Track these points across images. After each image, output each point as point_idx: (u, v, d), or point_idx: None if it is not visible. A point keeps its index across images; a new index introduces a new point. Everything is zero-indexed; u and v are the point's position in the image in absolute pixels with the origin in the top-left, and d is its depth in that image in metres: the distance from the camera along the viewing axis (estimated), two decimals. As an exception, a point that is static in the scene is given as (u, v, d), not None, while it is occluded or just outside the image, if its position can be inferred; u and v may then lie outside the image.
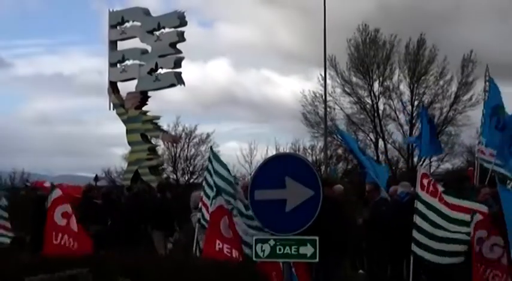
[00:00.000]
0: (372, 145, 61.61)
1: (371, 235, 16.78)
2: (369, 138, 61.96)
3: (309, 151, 61.92)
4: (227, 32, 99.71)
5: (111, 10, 35.78)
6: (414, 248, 13.49)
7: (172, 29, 33.53)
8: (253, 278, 12.10)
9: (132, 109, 34.23)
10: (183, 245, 19.40)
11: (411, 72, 59.75)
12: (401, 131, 60.34)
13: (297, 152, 57.84)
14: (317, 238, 12.19)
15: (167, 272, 12.39)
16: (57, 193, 16.62)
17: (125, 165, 41.27)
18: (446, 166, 57.95)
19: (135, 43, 34.94)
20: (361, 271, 19.43)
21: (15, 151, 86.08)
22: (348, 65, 60.54)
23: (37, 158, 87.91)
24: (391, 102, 60.58)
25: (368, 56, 60.09)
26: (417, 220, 13.53)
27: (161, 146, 47.44)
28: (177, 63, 33.46)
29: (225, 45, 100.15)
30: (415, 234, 13.49)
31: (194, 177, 61.13)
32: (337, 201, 17.07)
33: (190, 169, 64.24)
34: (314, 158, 59.72)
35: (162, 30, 33.71)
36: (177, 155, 64.15)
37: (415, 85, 59.85)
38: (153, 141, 35.75)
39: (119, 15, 35.24)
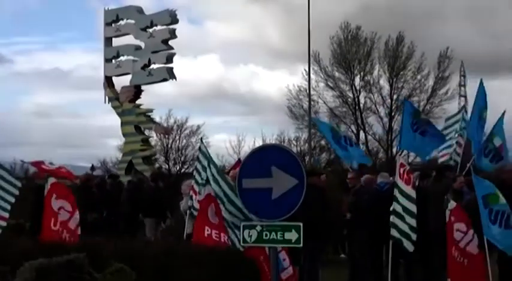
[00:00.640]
0: (354, 136, 61.60)
1: (352, 221, 16.78)
2: (350, 130, 61.91)
3: (294, 142, 61.93)
4: (216, 30, 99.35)
5: (106, 9, 35.75)
6: (393, 233, 13.52)
7: (165, 27, 33.51)
8: (242, 262, 12.10)
9: (126, 102, 34.20)
10: (174, 231, 19.43)
11: (390, 68, 59.96)
12: (381, 123, 60.66)
13: (283, 143, 57.86)
14: (301, 224, 12.22)
15: (158, 256, 12.38)
16: (51, 180, 16.60)
17: (119, 155, 41.23)
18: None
19: (129, 40, 34.91)
20: (342, 255, 19.47)
21: (15, 143, 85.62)
22: (331, 61, 60.82)
23: (36, 149, 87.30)
24: (372, 96, 60.91)
25: (350, 52, 60.22)
26: (395, 206, 13.56)
27: (154, 138, 47.32)
28: (169, 59, 33.45)
29: (214, 42, 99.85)
30: (394, 220, 13.52)
31: (185, 167, 61.02)
32: (323, 189, 17.14)
33: (182, 159, 64.17)
34: (299, 149, 59.69)
35: (155, 27, 33.69)
36: (169, 146, 64.07)
37: (394, 80, 60.06)
38: (146, 132, 35.73)
39: (114, 14, 35.19)
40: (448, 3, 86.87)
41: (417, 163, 49.08)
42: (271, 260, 12.44)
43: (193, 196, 15.65)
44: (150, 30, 33.79)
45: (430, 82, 60.17)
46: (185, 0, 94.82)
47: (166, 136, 59.47)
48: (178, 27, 33.77)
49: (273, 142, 54.83)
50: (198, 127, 63.65)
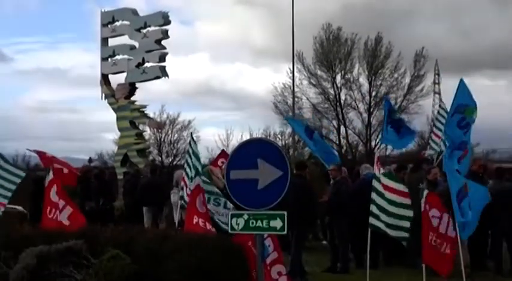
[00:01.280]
0: (335, 131, 61.88)
1: (333, 210, 16.82)
2: (332, 125, 62.08)
3: (279, 136, 62.15)
4: (205, 30, 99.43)
5: (103, 10, 35.71)
6: (372, 221, 13.53)
7: (158, 28, 33.52)
8: (230, 248, 12.11)
9: (121, 99, 34.19)
10: (168, 219, 19.48)
11: (369, 66, 60.02)
12: (360, 118, 60.74)
13: (268, 137, 58.02)
14: (285, 212, 12.26)
15: (151, 243, 12.39)
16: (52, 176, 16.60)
17: (115, 148, 41.15)
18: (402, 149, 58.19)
19: (124, 40, 34.88)
20: (324, 242, 19.49)
21: (18, 136, 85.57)
22: (314, 60, 60.82)
23: (37, 142, 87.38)
24: (352, 93, 60.92)
25: (331, 52, 60.21)
26: (374, 196, 13.57)
27: (148, 132, 47.24)
28: (162, 58, 33.48)
29: (204, 42, 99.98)
30: (373, 208, 13.53)
31: (177, 159, 61.16)
32: (309, 181, 17.21)
33: (174, 151, 64.41)
34: (283, 142, 59.86)
35: (148, 28, 33.69)
36: (162, 139, 64.36)
37: (373, 78, 60.16)
38: (141, 127, 35.71)
39: (110, 15, 35.17)
40: (423, 6, 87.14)
41: (394, 156, 49.28)
42: (257, 246, 12.47)
43: (184, 187, 15.68)
44: (144, 30, 33.78)
45: (407, 80, 60.36)
46: (177, 2, 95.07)
47: (159, 130, 59.68)
48: (171, 28, 33.87)
49: (259, 136, 54.85)
50: (189, 122, 64.25)
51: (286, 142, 60.10)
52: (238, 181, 12.48)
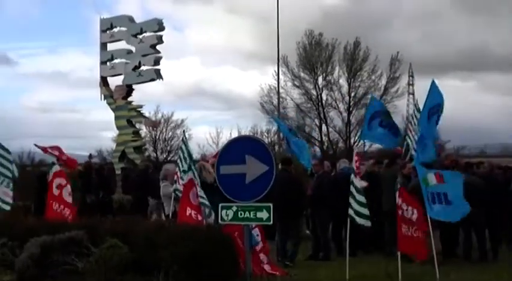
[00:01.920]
0: (317, 129, 62.06)
1: (315, 203, 16.84)
2: (314, 123, 62.16)
3: (265, 134, 62.06)
4: (197, 36, 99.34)
5: (102, 18, 35.66)
6: (350, 212, 13.54)
7: (153, 33, 33.52)
8: (220, 237, 12.13)
9: (119, 99, 34.19)
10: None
11: (349, 69, 60.04)
12: (340, 117, 60.77)
13: (256, 135, 57.90)
14: (271, 204, 12.31)
15: (148, 233, 12.39)
16: (56, 168, 16.62)
17: (113, 146, 41.01)
18: (378, 145, 58.26)
19: (121, 45, 34.86)
20: (307, 231, 19.51)
21: (22, 134, 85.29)
22: (297, 63, 60.77)
23: (40, 140, 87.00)
24: (332, 94, 60.88)
25: (313, 56, 60.21)
26: (352, 189, 13.59)
27: (143, 130, 47.14)
28: (157, 62, 33.49)
29: (195, 47, 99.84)
30: (351, 201, 13.55)
31: (171, 155, 61.00)
32: (297, 175, 17.31)
33: (168, 148, 64.37)
34: (269, 139, 59.77)
35: (144, 34, 33.68)
36: (157, 137, 64.26)
37: (352, 79, 60.19)
38: (137, 126, 35.75)
39: (109, 22, 35.14)
40: (398, 13, 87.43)
41: (372, 152, 49.36)
42: (244, 235, 12.51)
43: (177, 181, 15.65)
44: (140, 36, 33.78)
45: (383, 82, 60.43)
46: (170, 9, 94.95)
47: (155, 129, 59.67)
48: (165, 34, 33.86)
49: (247, 134, 54.78)
50: (182, 121, 64.36)
51: (272, 139, 60.04)
52: (228, 176, 12.54)
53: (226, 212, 12.50)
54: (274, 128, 57.22)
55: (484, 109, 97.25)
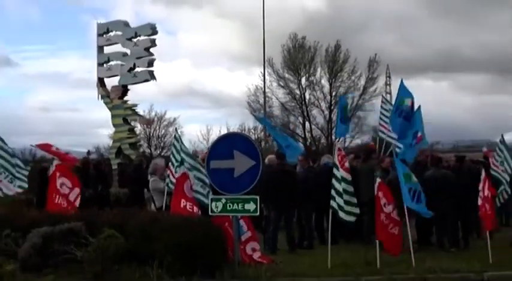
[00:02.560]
0: (301, 126, 62.19)
1: (301, 195, 16.83)
2: (298, 120, 62.35)
3: (252, 130, 62.09)
4: (188, 39, 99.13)
5: (98, 22, 35.53)
6: (333, 204, 13.55)
7: (146, 37, 33.33)
8: (211, 227, 12.12)
9: (115, 99, 33.96)
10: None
11: (330, 70, 60.08)
12: (322, 115, 60.82)
13: (243, 131, 57.88)
14: (258, 197, 12.34)
15: (143, 224, 12.37)
16: (56, 162, 16.62)
17: (110, 142, 40.83)
18: (357, 141, 58.55)
19: (117, 48, 34.62)
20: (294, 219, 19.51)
21: (24, 132, 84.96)
22: (282, 65, 60.72)
23: (41, 137, 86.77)
24: (315, 93, 60.92)
25: (297, 58, 60.22)
26: (334, 182, 13.58)
27: (138, 127, 46.93)
28: (150, 64, 33.32)
29: (186, 50, 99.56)
30: (333, 193, 13.55)
31: (164, 151, 60.93)
32: (292, 169, 17.40)
33: (161, 145, 64.39)
34: (256, 136, 59.76)
35: (139, 37, 33.46)
36: (151, 134, 64.26)
37: (333, 80, 60.27)
38: (132, 123, 35.51)
39: (105, 27, 34.93)
40: (375, 18, 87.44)
41: (352, 147, 49.46)
42: (233, 225, 12.53)
43: (170, 175, 15.60)
44: (135, 40, 33.58)
45: (362, 82, 60.47)
46: (163, 15, 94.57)
47: (149, 126, 59.62)
48: (158, 38, 33.69)
49: (235, 131, 54.74)
50: (174, 119, 64.40)
51: (259, 135, 60.08)
52: (217, 170, 12.58)
53: (215, 204, 12.53)
54: (261, 125, 57.28)
55: (456, 107, 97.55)
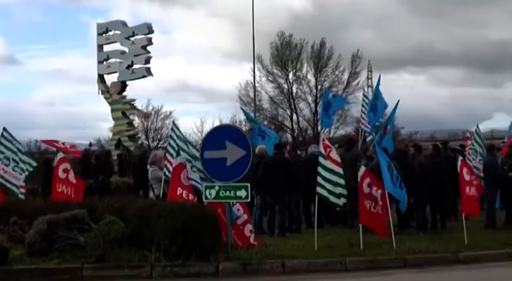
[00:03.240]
0: (288, 118, 62.30)
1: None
2: (286, 113, 62.46)
3: (243, 122, 61.80)
4: (182, 38, 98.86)
5: (98, 22, 35.39)
6: (318, 189, 13.52)
7: (143, 36, 33.22)
8: (205, 213, 12.13)
9: (115, 94, 33.83)
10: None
11: (315, 66, 60.28)
12: (309, 108, 60.94)
13: (235, 124, 57.81)
14: (249, 184, 12.36)
15: (141, 210, 12.37)
16: (61, 155, 16.58)
17: (110, 135, 40.71)
18: (341, 132, 58.61)
19: (116, 46, 34.46)
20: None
21: (30, 126, 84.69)
22: (270, 61, 60.77)
23: (45, 131, 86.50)
24: (302, 87, 61.10)
25: (284, 54, 60.34)
26: (319, 169, 13.56)
27: (136, 121, 46.59)
28: (147, 61, 33.21)
29: (181, 47, 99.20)
30: (319, 179, 13.53)
31: (161, 143, 60.82)
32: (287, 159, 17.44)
33: (158, 136, 64.25)
34: (247, 128, 59.63)
35: (136, 36, 33.33)
36: (148, 127, 64.22)
37: (318, 75, 60.45)
38: (131, 117, 35.40)
39: (104, 26, 34.78)
40: (358, 16, 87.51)
41: (337, 137, 49.53)
42: (226, 211, 12.54)
43: (167, 165, 15.58)
44: (132, 38, 33.45)
45: (346, 76, 60.75)
46: (159, 15, 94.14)
47: (146, 120, 59.48)
48: (154, 37, 33.58)
49: (227, 123, 54.71)
50: (170, 112, 64.35)
51: (249, 127, 60.06)
52: (211, 159, 12.59)
53: (209, 191, 12.55)
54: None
55: (432, 99, 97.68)
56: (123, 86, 34.16)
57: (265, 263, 11.79)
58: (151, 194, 16.46)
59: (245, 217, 13.31)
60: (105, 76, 34.72)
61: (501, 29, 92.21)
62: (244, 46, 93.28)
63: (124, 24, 34.60)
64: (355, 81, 60.68)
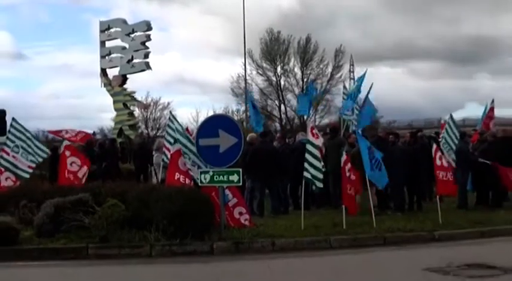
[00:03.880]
0: (277, 108, 62.49)
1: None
2: (275, 103, 62.73)
3: (235, 112, 61.95)
4: (179, 34, 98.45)
5: (100, 20, 35.32)
6: (305, 174, 13.51)
7: (142, 33, 33.18)
8: (200, 197, 12.13)
9: (116, 87, 33.82)
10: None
11: (302, 60, 60.51)
12: (295, 98, 60.95)
13: (227, 113, 57.82)
14: (240, 169, 12.35)
15: (141, 194, 12.38)
16: (66, 142, 16.64)
17: (112, 124, 40.65)
18: (326, 121, 58.67)
19: (117, 42, 34.41)
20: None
21: (37, 117, 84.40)
22: (260, 55, 60.90)
23: (52, 122, 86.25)
24: (289, 80, 61.42)
25: (273, 49, 60.55)
26: (308, 156, 13.54)
27: (137, 111, 46.60)
28: (146, 56, 33.21)
29: (177, 43, 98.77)
30: (306, 166, 13.53)
31: (160, 131, 60.83)
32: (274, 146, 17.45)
33: (157, 126, 64.32)
34: (238, 117, 59.68)
35: (136, 33, 33.30)
36: (148, 117, 64.26)
37: (304, 68, 60.71)
38: (131, 108, 35.38)
39: (106, 24, 34.70)
40: (341, 14, 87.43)
41: (322, 126, 49.55)
42: (219, 194, 12.54)
43: (166, 152, 15.59)
44: (132, 35, 33.40)
45: (329, 69, 60.78)
46: (157, 13, 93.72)
47: (146, 110, 59.53)
48: (152, 33, 33.55)
49: (221, 113, 54.69)
50: (168, 103, 64.39)
51: (241, 117, 60.01)
52: (205, 147, 12.56)
53: (204, 176, 12.53)
54: (243, 107, 57.32)
55: (410, 91, 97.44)
56: (123, 79, 34.13)
57: (256, 242, 11.81)
58: (154, 179, 16.48)
59: (235, 200, 13.31)
60: (107, 70, 34.65)
61: (473, 25, 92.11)
62: (236, 42, 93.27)
63: (124, 22, 34.53)
64: (338, 74, 60.72)
